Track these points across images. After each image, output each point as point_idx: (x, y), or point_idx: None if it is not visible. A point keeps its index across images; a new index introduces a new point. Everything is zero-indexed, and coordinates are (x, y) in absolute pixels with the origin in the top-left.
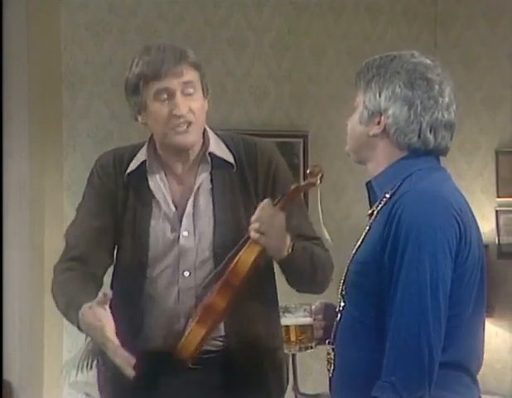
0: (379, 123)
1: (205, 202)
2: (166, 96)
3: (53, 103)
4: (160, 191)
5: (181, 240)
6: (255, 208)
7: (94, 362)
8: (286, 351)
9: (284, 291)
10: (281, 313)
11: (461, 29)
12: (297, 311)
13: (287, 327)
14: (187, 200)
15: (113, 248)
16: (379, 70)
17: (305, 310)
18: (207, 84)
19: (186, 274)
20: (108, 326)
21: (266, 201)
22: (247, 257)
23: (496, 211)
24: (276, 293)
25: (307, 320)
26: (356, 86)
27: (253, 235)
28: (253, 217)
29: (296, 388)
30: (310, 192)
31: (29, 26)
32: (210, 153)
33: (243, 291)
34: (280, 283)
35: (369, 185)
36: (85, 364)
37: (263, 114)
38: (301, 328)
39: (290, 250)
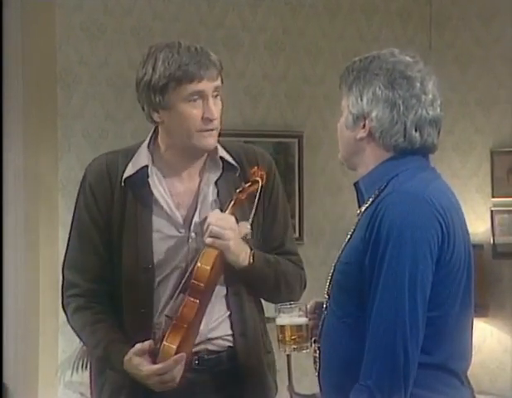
0: (364, 126)
1: (210, 205)
2: (198, 99)
3: (48, 103)
4: (162, 197)
5: (190, 242)
6: (257, 210)
7: (89, 363)
8: (281, 351)
9: None
10: (276, 313)
11: (456, 30)
12: (292, 311)
13: (283, 327)
14: (194, 202)
15: (115, 267)
16: (359, 74)
17: (300, 309)
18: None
19: None
20: (149, 371)
21: (215, 210)
22: (205, 262)
23: (491, 211)
24: None
25: (302, 320)
26: (340, 90)
27: (207, 240)
28: (205, 224)
29: (291, 388)
30: (306, 193)
31: (24, 26)
32: (220, 157)
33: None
34: None
35: (356, 185)
36: (80, 364)
37: (258, 115)
38: (297, 328)
39: (251, 261)
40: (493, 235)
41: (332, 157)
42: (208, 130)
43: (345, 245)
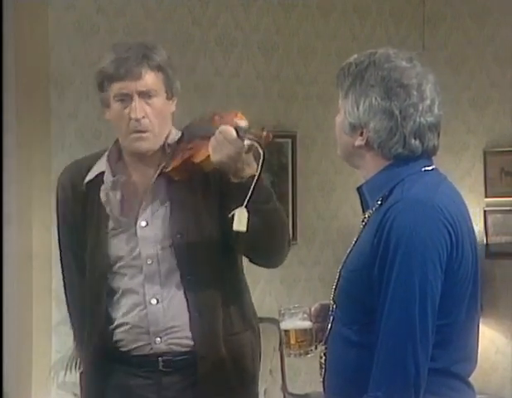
0: (361, 134)
1: (163, 193)
2: (124, 98)
3: (41, 103)
4: (110, 204)
5: (139, 232)
6: (213, 203)
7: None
8: (286, 355)
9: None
10: (280, 317)
11: (449, 30)
12: (296, 315)
13: (287, 331)
14: (145, 194)
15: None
16: (354, 81)
17: (304, 313)
18: (174, 84)
19: (149, 261)
20: None
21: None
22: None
23: (484, 211)
24: (239, 276)
25: (307, 324)
26: (337, 88)
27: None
28: None
29: (284, 388)
30: (299, 193)
31: (16, 26)
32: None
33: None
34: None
35: (360, 190)
36: (74, 364)
37: (252, 114)
38: (301, 332)
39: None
40: (486, 235)
41: (325, 157)
42: (136, 132)
43: (351, 251)
